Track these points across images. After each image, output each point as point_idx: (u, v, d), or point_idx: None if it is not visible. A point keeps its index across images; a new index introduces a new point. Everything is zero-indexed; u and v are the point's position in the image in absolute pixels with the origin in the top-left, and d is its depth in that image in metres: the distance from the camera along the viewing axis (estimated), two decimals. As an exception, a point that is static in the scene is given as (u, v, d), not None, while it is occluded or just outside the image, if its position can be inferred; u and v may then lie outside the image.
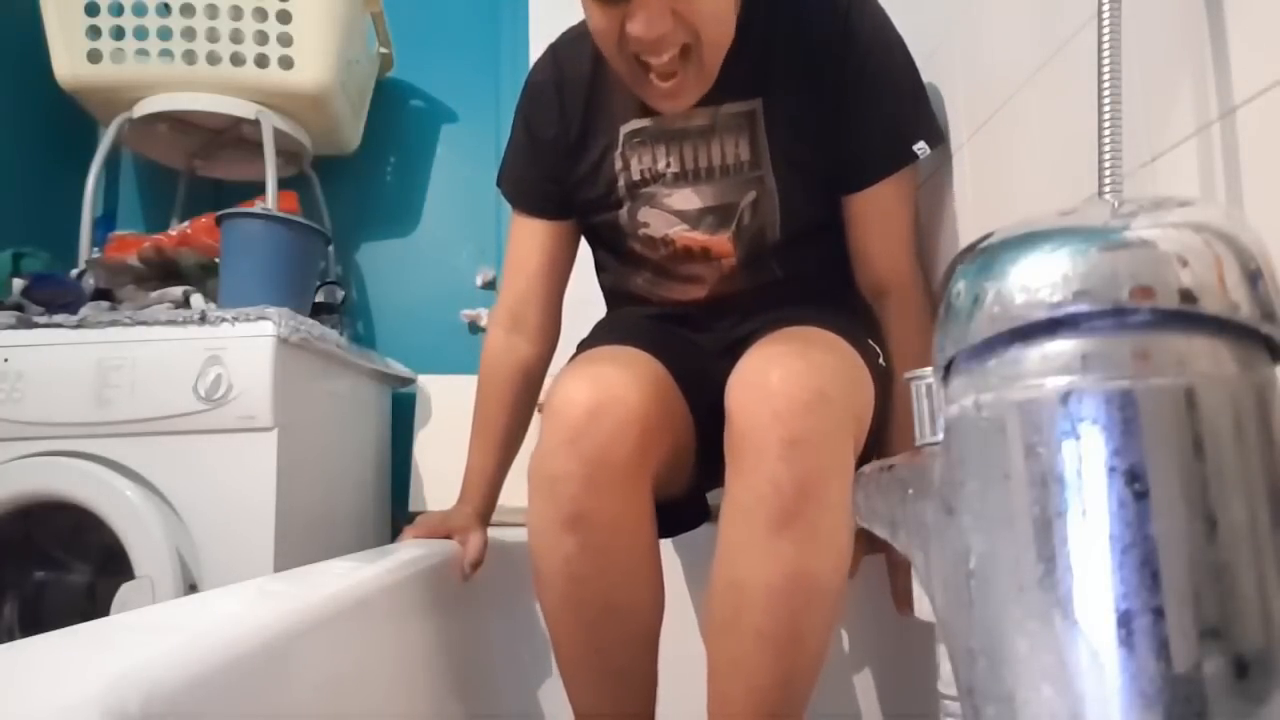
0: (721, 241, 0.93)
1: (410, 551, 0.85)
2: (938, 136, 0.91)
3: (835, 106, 0.88)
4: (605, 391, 0.75)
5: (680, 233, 0.94)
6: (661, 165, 0.93)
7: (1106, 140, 0.43)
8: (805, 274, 0.95)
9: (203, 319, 1.19)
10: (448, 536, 0.97)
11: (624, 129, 0.94)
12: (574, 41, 0.99)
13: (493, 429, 1.02)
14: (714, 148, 0.91)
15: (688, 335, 0.96)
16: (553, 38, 1.03)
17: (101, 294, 1.36)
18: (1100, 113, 0.44)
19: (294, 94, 1.50)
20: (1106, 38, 0.45)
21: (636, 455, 0.75)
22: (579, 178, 0.98)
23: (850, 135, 0.89)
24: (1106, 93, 0.44)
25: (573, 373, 0.80)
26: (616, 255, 1.01)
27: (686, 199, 0.93)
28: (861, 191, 0.91)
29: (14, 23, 1.57)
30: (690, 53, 0.81)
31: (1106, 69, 0.44)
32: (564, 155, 0.98)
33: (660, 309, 0.99)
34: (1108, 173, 0.43)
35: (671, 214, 0.93)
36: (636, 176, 0.94)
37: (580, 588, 0.76)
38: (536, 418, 1.07)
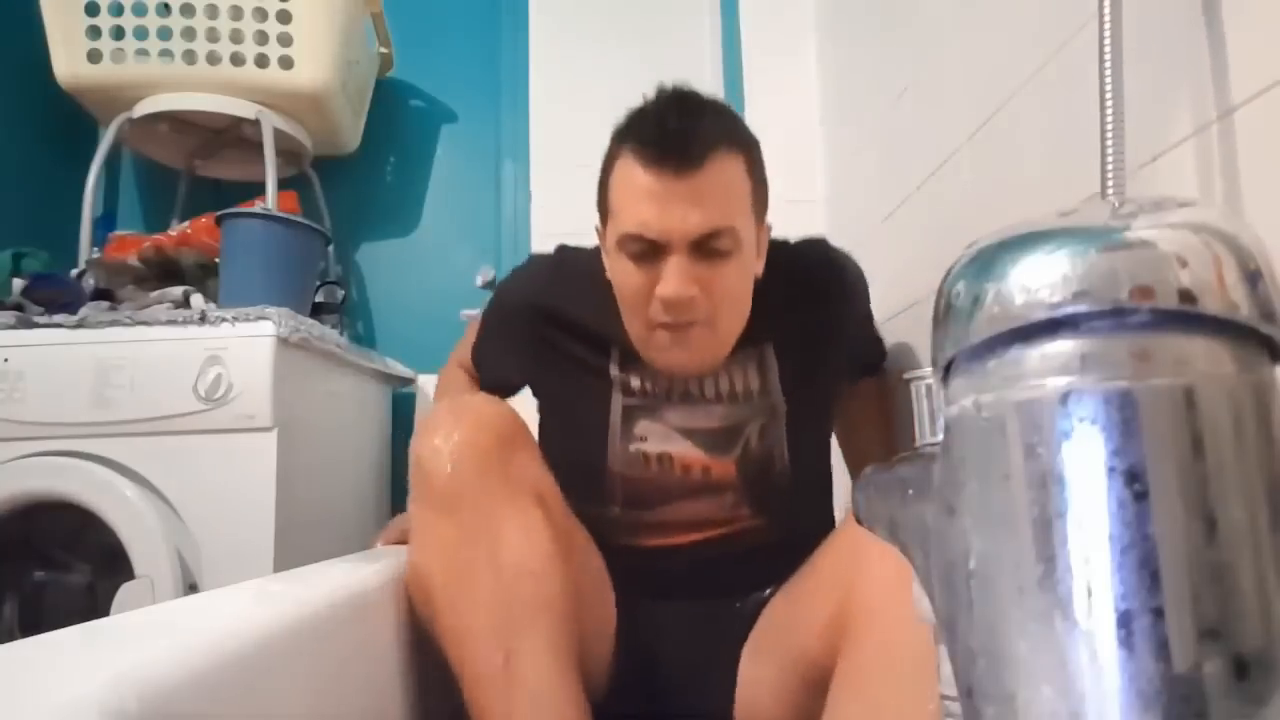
0: (725, 465, 0.88)
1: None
2: (883, 357, 1.08)
3: (831, 343, 0.93)
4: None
5: (683, 451, 0.89)
6: (662, 387, 0.90)
7: (1108, 140, 0.43)
8: (805, 535, 0.86)
9: (203, 319, 1.19)
10: None
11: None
12: (571, 278, 0.95)
13: None
14: (722, 379, 0.90)
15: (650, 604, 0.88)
16: (553, 38, 1.03)
17: (101, 294, 1.36)
18: (1101, 113, 0.44)
19: (294, 94, 1.50)
20: (1107, 38, 0.45)
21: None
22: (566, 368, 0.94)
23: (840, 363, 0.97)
24: (1107, 93, 0.44)
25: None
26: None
27: (689, 418, 0.89)
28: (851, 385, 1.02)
29: (14, 23, 1.57)
30: (705, 321, 0.81)
31: (1107, 69, 0.44)
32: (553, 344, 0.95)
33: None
34: (1109, 173, 0.43)
35: (673, 429, 0.89)
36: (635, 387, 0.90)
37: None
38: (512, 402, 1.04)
